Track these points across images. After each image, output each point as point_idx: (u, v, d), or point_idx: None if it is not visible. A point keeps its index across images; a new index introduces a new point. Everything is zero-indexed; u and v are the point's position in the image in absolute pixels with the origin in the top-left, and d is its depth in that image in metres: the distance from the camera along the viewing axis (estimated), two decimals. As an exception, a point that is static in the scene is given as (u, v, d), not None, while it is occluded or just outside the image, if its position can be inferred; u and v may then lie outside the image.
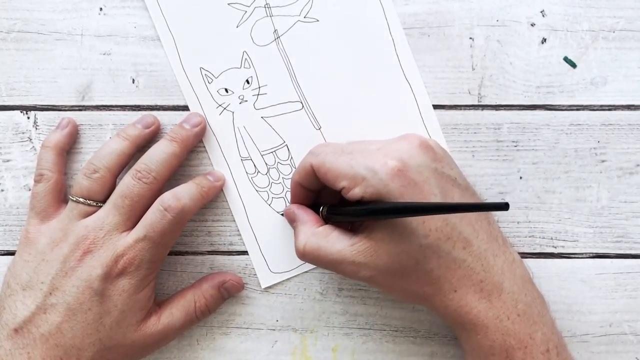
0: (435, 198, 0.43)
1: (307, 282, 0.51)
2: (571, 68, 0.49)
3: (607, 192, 0.50)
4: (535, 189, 0.50)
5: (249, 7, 0.49)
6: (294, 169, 0.50)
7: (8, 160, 0.51)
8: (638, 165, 0.50)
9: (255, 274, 0.51)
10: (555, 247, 0.50)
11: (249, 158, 0.50)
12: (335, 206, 0.46)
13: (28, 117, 0.50)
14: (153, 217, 0.46)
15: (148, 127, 0.49)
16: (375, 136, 0.48)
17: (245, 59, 0.50)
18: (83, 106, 0.50)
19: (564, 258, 0.50)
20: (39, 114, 0.50)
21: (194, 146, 0.50)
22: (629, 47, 0.49)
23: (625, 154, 0.49)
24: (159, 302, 0.49)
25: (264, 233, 0.50)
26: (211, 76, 0.50)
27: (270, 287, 0.51)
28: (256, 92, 0.50)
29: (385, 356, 0.50)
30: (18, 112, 0.51)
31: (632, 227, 0.50)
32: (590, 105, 0.49)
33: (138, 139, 0.48)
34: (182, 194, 0.46)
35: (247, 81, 0.50)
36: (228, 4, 0.49)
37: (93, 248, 0.45)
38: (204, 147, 0.50)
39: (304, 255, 0.45)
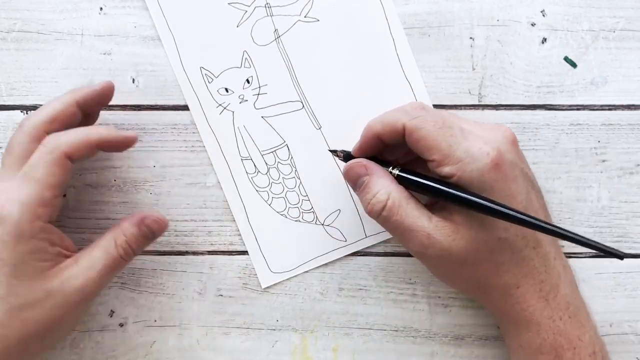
0: (520, 197, 0.43)
1: (307, 282, 0.51)
2: (571, 68, 0.49)
3: (607, 192, 0.50)
4: (536, 188, 0.50)
5: (249, 6, 0.49)
6: (294, 169, 0.50)
7: (8, 160, 0.51)
8: (638, 165, 0.50)
9: (256, 274, 0.50)
10: (556, 247, 0.50)
11: (249, 158, 0.50)
12: (410, 170, 0.44)
13: (28, 117, 0.50)
14: (32, 156, 0.43)
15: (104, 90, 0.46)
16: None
17: (246, 58, 0.50)
18: (83, 106, 0.50)
19: (564, 258, 0.50)
20: (39, 113, 0.50)
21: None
22: (629, 47, 0.49)
23: (625, 153, 0.49)
24: (77, 249, 0.45)
25: (264, 233, 0.50)
26: (211, 76, 0.50)
27: (270, 287, 0.51)
28: (256, 91, 0.50)
29: (386, 356, 0.50)
30: (18, 112, 0.50)
31: (632, 227, 0.50)
32: (591, 105, 0.49)
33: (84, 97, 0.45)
34: (65, 132, 0.43)
35: (248, 81, 0.50)
36: (228, 3, 0.49)
37: None
38: (204, 146, 0.50)
39: (385, 209, 0.43)
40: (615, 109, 0.49)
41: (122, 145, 0.45)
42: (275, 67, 0.50)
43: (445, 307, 0.50)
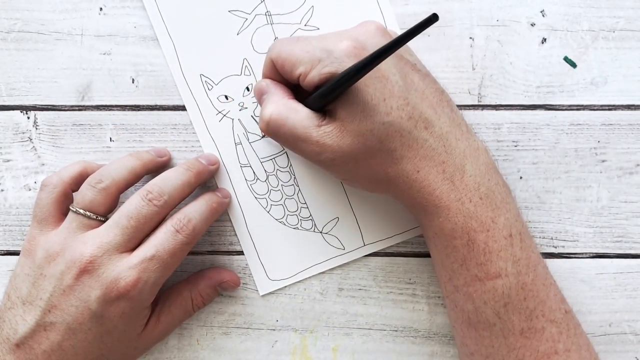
0: (394, 77, 0.42)
1: (307, 282, 0.51)
2: (571, 68, 0.49)
3: (607, 192, 0.50)
4: (535, 189, 0.50)
5: (249, 14, 0.49)
6: (292, 176, 0.50)
7: (8, 160, 0.51)
8: (638, 165, 0.50)
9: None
10: (556, 247, 0.50)
11: (249, 165, 0.50)
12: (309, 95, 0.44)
13: (28, 117, 0.51)
14: (163, 237, 0.45)
15: (161, 156, 0.49)
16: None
17: (246, 66, 0.49)
18: (83, 106, 0.50)
19: (564, 258, 0.50)
20: (39, 114, 0.50)
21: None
22: (629, 47, 0.49)
23: (625, 153, 0.49)
24: (154, 299, 0.48)
25: (262, 240, 0.50)
26: (211, 83, 0.50)
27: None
28: None
29: (385, 356, 0.50)
30: (18, 112, 0.51)
31: (632, 227, 0.50)
32: (591, 105, 0.49)
33: (150, 163, 0.48)
34: (193, 214, 0.46)
35: (247, 88, 0.50)
36: (229, 10, 0.49)
37: (90, 267, 0.43)
38: (204, 150, 0.50)
39: (268, 125, 0.43)
40: (615, 109, 0.49)
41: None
42: None
43: (445, 307, 0.50)
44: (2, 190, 0.51)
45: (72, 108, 0.50)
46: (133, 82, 0.50)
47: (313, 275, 0.50)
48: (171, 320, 0.48)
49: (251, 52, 0.49)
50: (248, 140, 0.50)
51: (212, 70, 0.50)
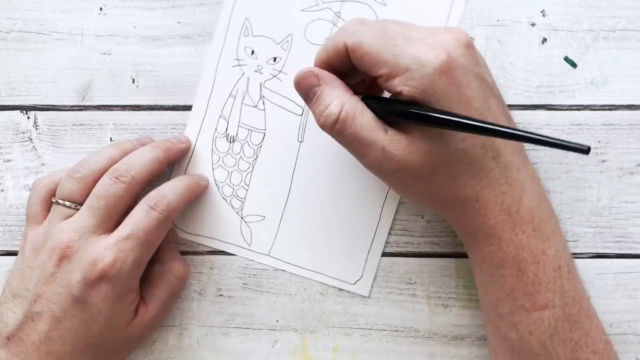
0: (477, 103, 0.40)
1: (307, 282, 0.51)
2: (571, 68, 0.49)
3: (607, 192, 0.50)
4: (536, 189, 0.50)
5: (324, 1, 0.49)
6: (255, 157, 0.49)
7: (8, 160, 0.51)
8: (638, 165, 0.49)
9: (255, 275, 0.50)
10: (556, 247, 0.50)
11: (227, 119, 0.50)
12: (372, 96, 0.42)
13: (28, 117, 0.51)
14: (138, 216, 0.45)
15: (143, 144, 0.48)
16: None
17: (287, 41, 0.49)
18: (83, 106, 0.50)
19: (564, 258, 0.50)
20: (39, 114, 0.50)
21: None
22: (629, 47, 0.49)
23: (625, 154, 0.49)
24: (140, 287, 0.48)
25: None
26: (249, 31, 0.49)
27: (270, 287, 0.50)
28: (275, 73, 0.49)
29: (385, 356, 0.50)
30: (18, 112, 0.51)
31: (632, 227, 0.50)
32: (591, 105, 0.49)
33: (130, 151, 0.47)
34: (167, 191, 0.46)
35: (275, 59, 0.49)
36: None
37: (69, 252, 0.44)
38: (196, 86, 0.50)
39: (338, 121, 0.40)
40: (615, 109, 0.49)
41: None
42: (304, 66, 0.46)
43: (445, 307, 0.50)
44: (2, 190, 0.51)
45: (72, 108, 0.50)
46: (133, 82, 0.50)
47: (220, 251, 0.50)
48: (159, 303, 0.48)
49: (300, 33, 0.49)
50: (242, 99, 0.50)
51: (258, 23, 0.49)
